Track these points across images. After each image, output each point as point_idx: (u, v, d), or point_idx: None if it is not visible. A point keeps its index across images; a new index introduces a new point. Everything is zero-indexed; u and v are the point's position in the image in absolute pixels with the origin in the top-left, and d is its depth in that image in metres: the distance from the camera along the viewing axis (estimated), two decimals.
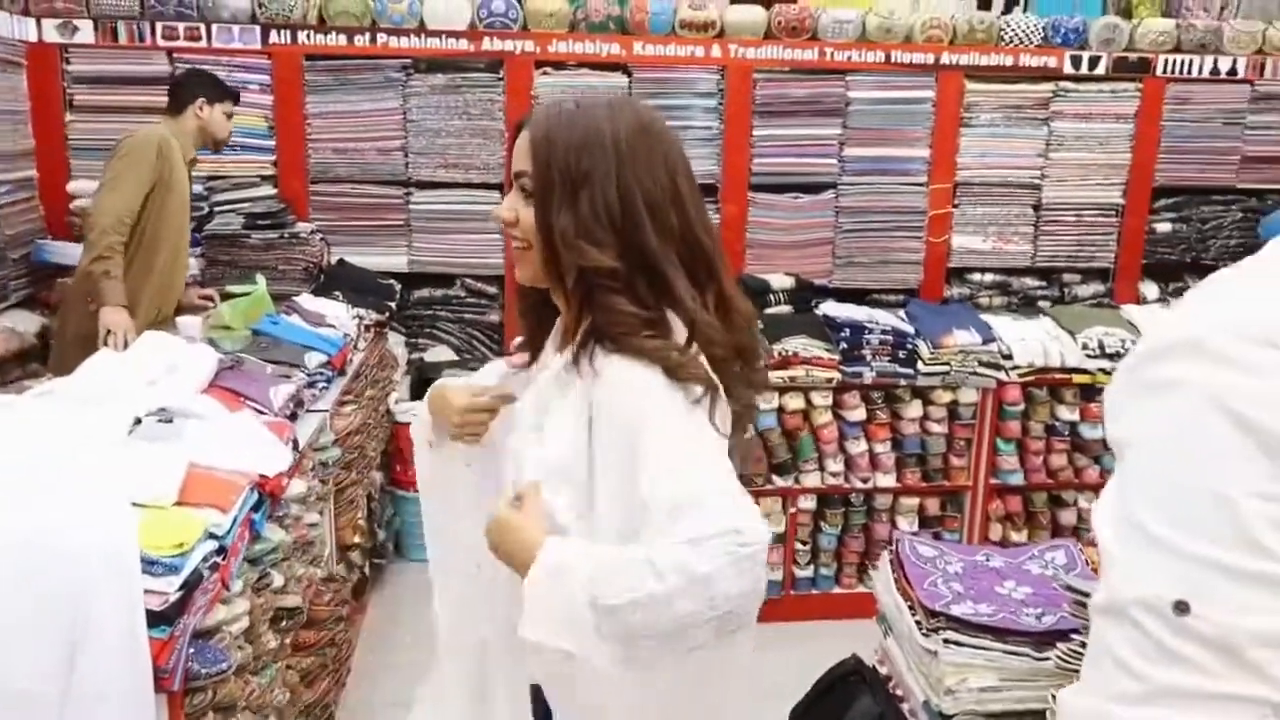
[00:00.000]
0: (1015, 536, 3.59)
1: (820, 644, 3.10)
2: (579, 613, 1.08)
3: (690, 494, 1.11)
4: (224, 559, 1.70)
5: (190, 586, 1.56)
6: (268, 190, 4.19)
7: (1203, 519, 0.68)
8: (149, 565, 1.52)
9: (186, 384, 2.31)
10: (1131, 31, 4.47)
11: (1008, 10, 4.61)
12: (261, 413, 2.35)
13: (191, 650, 1.58)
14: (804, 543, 3.60)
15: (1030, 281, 4.63)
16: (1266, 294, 0.75)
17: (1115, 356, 3.47)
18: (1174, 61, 4.50)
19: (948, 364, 3.41)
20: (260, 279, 3.47)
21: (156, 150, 3.32)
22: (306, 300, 3.48)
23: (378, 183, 4.30)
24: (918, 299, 4.33)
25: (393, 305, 4.06)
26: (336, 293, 3.73)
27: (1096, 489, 3.59)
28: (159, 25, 4.07)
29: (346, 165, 4.27)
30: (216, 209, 4.11)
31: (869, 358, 3.42)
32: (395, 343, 4.23)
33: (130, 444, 1.90)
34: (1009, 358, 3.44)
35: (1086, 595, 1.57)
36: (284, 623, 2.11)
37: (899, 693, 1.88)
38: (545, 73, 4.27)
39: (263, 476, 1.96)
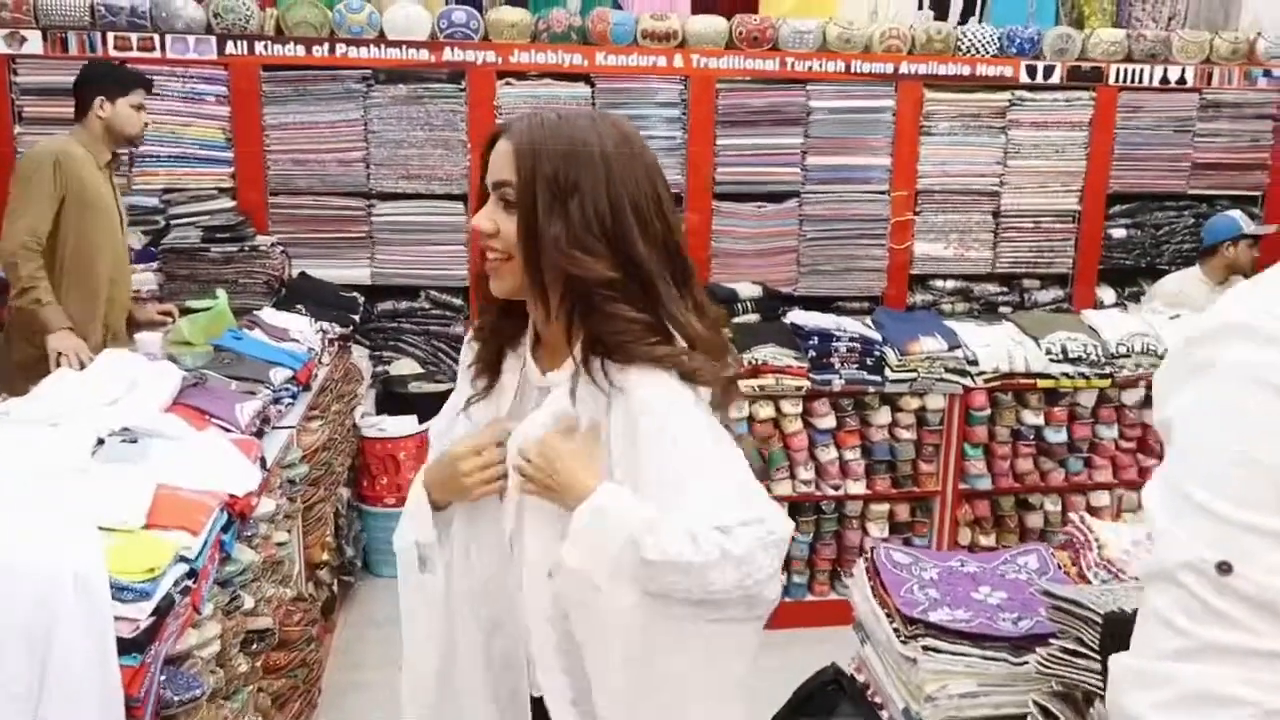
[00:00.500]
0: (984, 540, 3.62)
1: (794, 652, 3.09)
2: (619, 554, 1.21)
3: (723, 491, 1.24)
4: (195, 582, 1.66)
5: (162, 612, 1.52)
6: (226, 203, 4.13)
7: (1244, 486, 0.71)
8: (119, 591, 1.47)
9: (149, 402, 2.26)
10: (1084, 41, 4.56)
11: (964, 21, 4.69)
12: (228, 430, 2.30)
13: (163, 678, 1.54)
14: None
15: (991, 287, 4.71)
16: None
17: (1078, 361, 3.52)
18: (1125, 71, 4.60)
19: (915, 371, 3.44)
20: (221, 293, 3.41)
21: (52, 165, 3.13)
22: (269, 314, 3.42)
23: (339, 194, 4.25)
24: (882, 306, 4.37)
25: (356, 318, 4.02)
26: (299, 306, 3.68)
27: (1062, 492, 3.66)
28: (110, 35, 3.99)
29: (307, 177, 4.21)
30: (174, 222, 4.04)
31: (837, 365, 3.44)
32: (360, 356, 4.18)
33: (94, 465, 1.84)
34: (974, 363, 3.48)
35: (1062, 599, 1.60)
36: (255, 645, 2.06)
37: (878, 700, 1.88)
38: (508, 83, 4.25)
39: (232, 496, 1.92)
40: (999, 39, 4.50)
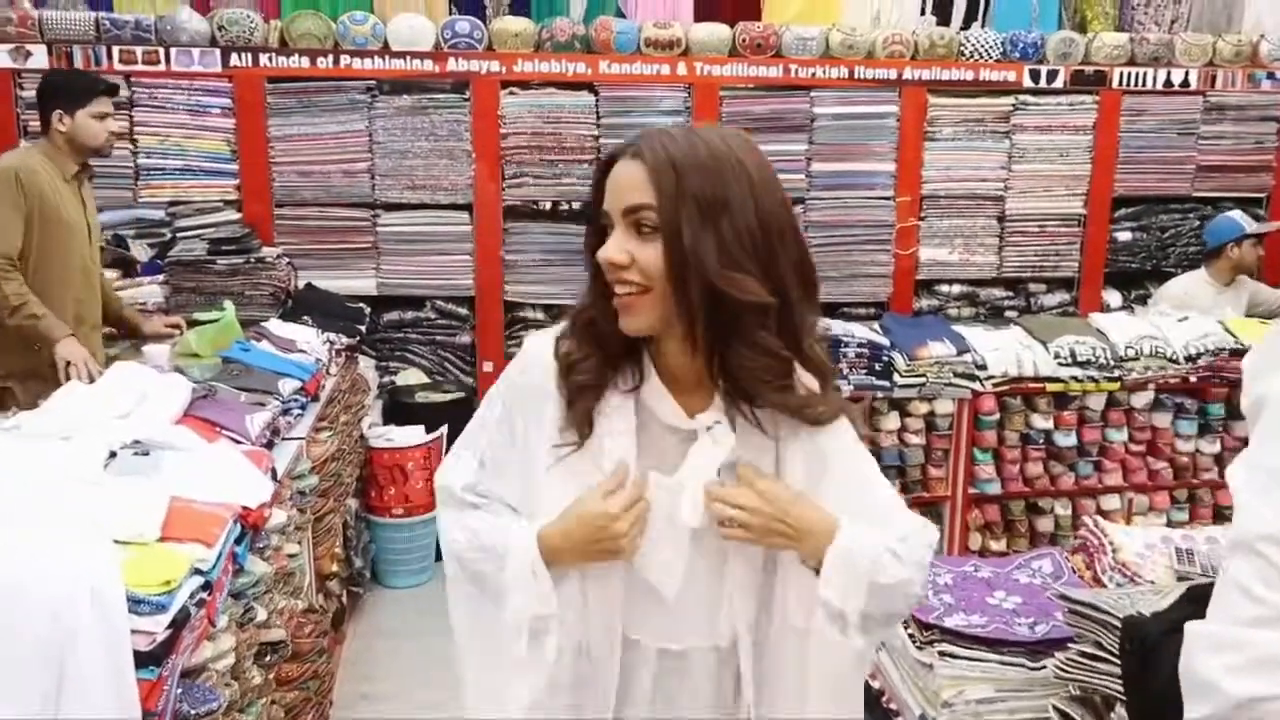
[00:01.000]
0: (994, 545, 3.61)
1: None
2: (861, 584, 1.23)
3: (899, 502, 1.35)
4: (210, 594, 1.65)
5: (178, 625, 1.51)
6: (231, 215, 4.14)
7: None
8: (135, 604, 1.47)
9: (159, 415, 2.26)
10: (1087, 45, 4.56)
11: (967, 26, 4.70)
12: (239, 442, 2.30)
13: (179, 691, 1.53)
14: None
15: (997, 292, 4.70)
16: None
17: (1086, 364, 3.51)
18: (1129, 74, 4.61)
19: (924, 376, 3.44)
20: (228, 305, 3.40)
21: (14, 183, 3.02)
22: (275, 326, 3.42)
23: (344, 205, 4.26)
24: (889, 312, 4.37)
25: (363, 329, 4.01)
26: (305, 317, 3.68)
27: (1072, 496, 3.65)
28: (115, 49, 4.00)
29: (312, 188, 4.22)
30: (180, 235, 4.04)
31: (846, 371, 3.43)
32: (366, 366, 4.18)
33: (107, 479, 1.84)
34: (983, 368, 3.47)
35: (1079, 603, 1.59)
36: (268, 657, 2.06)
37: (893, 707, 1.87)
38: (512, 93, 4.26)
39: (245, 508, 1.92)
40: (1002, 44, 4.50)
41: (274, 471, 2.26)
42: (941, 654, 1.71)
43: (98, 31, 3.99)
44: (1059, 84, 4.56)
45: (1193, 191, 4.76)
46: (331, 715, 2.78)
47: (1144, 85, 4.62)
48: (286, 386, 2.83)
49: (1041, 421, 3.56)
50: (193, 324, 3.41)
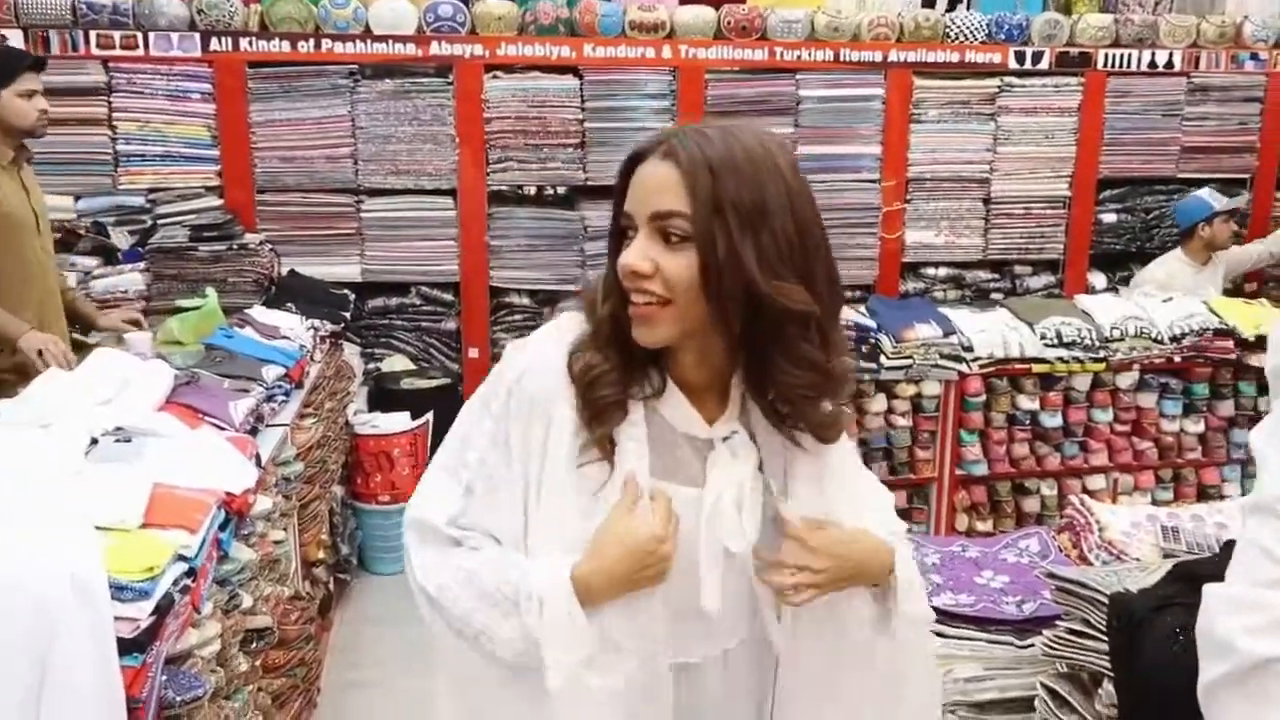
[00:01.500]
0: (981, 526, 3.63)
1: None
2: (920, 588, 1.29)
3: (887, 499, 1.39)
4: (194, 581, 1.64)
5: (162, 611, 1.50)
6: (213, 201, 4.09)
7: None
8: (118, 591, 1.45)
9: (142, 401, 2.23)
10: (1072, 27, 4.56)
11: (952, 8, 4.69)
12: (222, 428, 2.28)
13: (164, 677, 1.52)
14: None
15: (983, 274, 4.71)
16: None
17: (1072, 345, 3.52)
18: (1113, 56, 4.61)
19: (910, 358, 3.44)
20: (211, 292, 3.37)
21: None
22: (259, 312, 3.39)
23: (327, 191, 4.22)
24: (876, 294, 4.37)
25: (347, 315, 3.99)
26: (289, 304, 3.65)
27: (1058, 476, 3.66)
28: (93, 34, 3.95)
29: (294, 174, 4.18)
30: (160, 221, 4.00)
31: None
32: (351, 353, 4.15)
33: (88, 466, 1.82)
34: (970, 350, 3.48)
35: (1067, 581, 1.60)
36: (254, 644, 2.05)
37: None
38: (495, 76, 4.23)
39: (229, 494, 1.90)
40: (987, 25, 4.50)
41: (258, 458, 2.24)
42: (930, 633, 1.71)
43: (74, 15, 3.93)
44: (1044, 66, 4.56)
45: (1177, 173, 4.78)
46: (321, 702, 2.78)
47: (1128, 67, 4.63)
48: (270, 373, 2.81)
49: (1027, 402, 3.57)
50: (175, 311, 3.37)
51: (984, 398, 3.54)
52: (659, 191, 1.07)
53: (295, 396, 2.95)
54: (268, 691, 2.16)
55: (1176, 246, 4.44)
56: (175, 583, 1.57)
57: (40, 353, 2.79)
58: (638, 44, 4.27)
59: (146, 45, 3.99)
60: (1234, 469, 3.82)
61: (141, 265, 3.87)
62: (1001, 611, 1.81)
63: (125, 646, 1.43)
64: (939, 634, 1.71)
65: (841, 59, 4.40)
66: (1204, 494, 3.75)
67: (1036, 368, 3.53)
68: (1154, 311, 3.68)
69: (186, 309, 3.28)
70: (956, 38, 4.49)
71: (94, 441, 1.92)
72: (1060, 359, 3.51)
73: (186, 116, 4.07)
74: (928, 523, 3.65)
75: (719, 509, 1.15)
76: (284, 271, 4.11)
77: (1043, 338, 3.52)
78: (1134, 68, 4.63)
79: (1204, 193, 4.38)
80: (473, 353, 4.33)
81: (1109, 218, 4.76)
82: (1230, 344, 3.63)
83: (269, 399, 2.70)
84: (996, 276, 4.73)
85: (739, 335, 1.11)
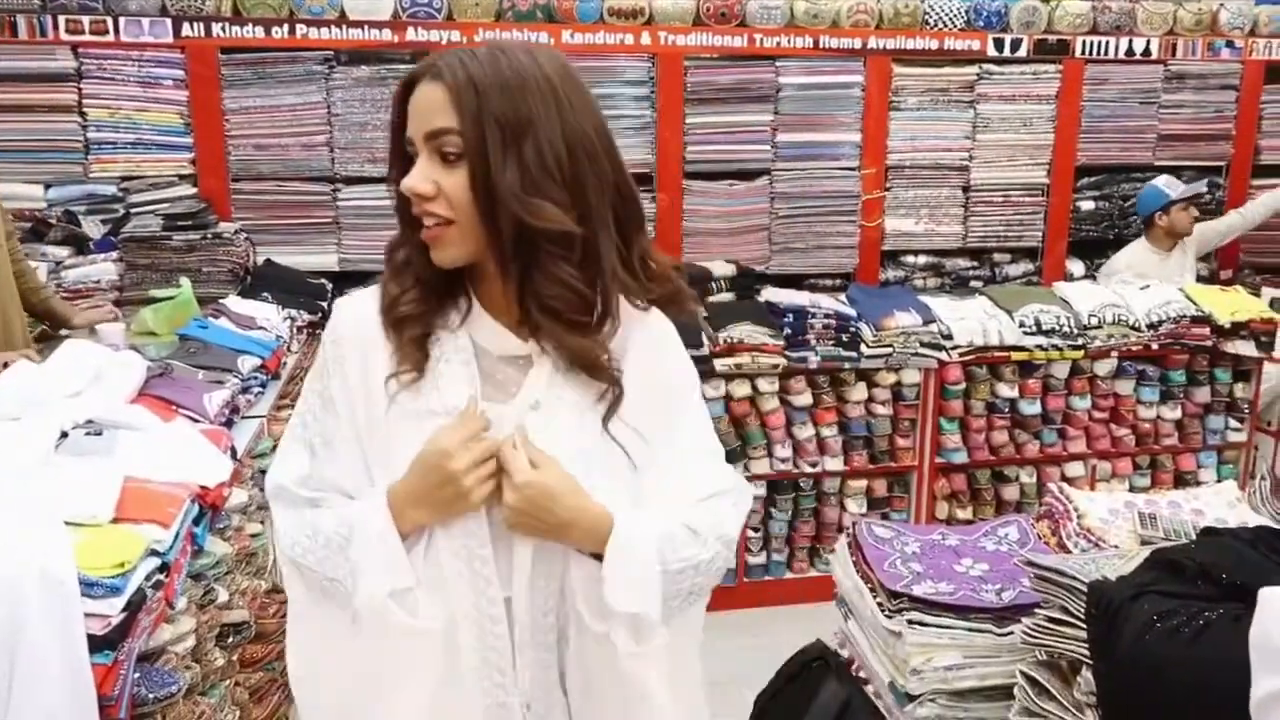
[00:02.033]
0: (961, 514, 3.65)
1: (776, 630, 3.12)
2: (650, 578, 1.13)
3: (715, 457, 1.26)
4: (167, 576, 1.61)
5: (134, 607, 1.48)
6: (187, 190, 4.03)
7: None
8: (88, 587, 1.43)
9: (114, 394, 2.20)
10: (1050, 14, 4.56)
11: None
12: (196, 421, 2.25)
13: (137, 674, 1.50)
14: (755, 529, 3.61)
15: (962, 262, 4.73)
16: None
17: (1051, 333, 3.54)
18: (1091, 43, 4.62)
19: (890, 346, 3.45)
20: (185, 282, 3.32)
21: None
22: (234, 303, 3.35)
23: (303, 179, 4.17)
24: (855, 283, 4.37)
25: (324, 305, 3.94)
26: (265, 294, 3.60)
27: (1037, 464, 3.69)
28: (61, 19, 3.87)
29: (269, 162, 4.13)
30: (133, 210, 3.94)
31: (813, 342, 3.43)
32: None
33: (58, 459, 1.79)
34: (949, 338, 3.49)
35: (1045, 569, 1.60)
36: (231, 639, 2.02)
37: (863, 675, 1.88)
38: None
39: (203, 487, 1.87)
40: (966, 12, 4.49)
41: (233, 450, 2.21)
42: (910, 622, 1.71)
43: (42, 0, 3.86)
44: (1022, 53, 4.57)
45: (1154, 160, 4.80)
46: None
47: (1106, 54, 4.64)
48: (246, 364, 2.78)
49: (1007, 390, 3.59)
50: (149, 301, 3.33)
51: (964, 386, 3.55)
52: (430, 111, 1.09)
53: (272, 388, 2.92)
54: (245, 686, 2.14)
55: (1142, 235, 4.48)
56: (148, 578, 1.55)
57: (4, 365, 2.69)
58: (616, 30, 4.24)
59: (117, 30, 3.92)
60: (1210, 455, 3.86)
61: (114, 255, 3.81)
62: (981, 600, 1.81)
63: (96, 644, 1.41)
64: (918, 622, 1.71)
65: (821, 46, 4.39)
66: (1181, 480, 3.78)
67: (1015, 355, 3.55)
68: (1131, 299, 3.70)
69: (160, 299, 3.24)
70: (935, 24, 4.48)
71: (64, 435, 1.89)
72: (1039, 346, 3.53)
73: (159, 103, 4.01)
74: (908, 511, 3.67)
75: (530, 420, 1.15)
76: (260, 261, 4.06)
77: (1021, 325, 3.54)
78: (1111, 55, 4.65)
79: (1160, 181, 4.40)
80: None
81: (1087, 205, 4.78)
82: (1206, 331, 3.66)
83: (245, 390, 2.67)
84: (976, 264, 4.75)
85: (513, 254, 1.11)
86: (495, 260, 1.13)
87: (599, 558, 1.12)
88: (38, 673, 1.34)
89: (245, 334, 3.05)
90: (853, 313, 3.52)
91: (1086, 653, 1.45)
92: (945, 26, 4.49)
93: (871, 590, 1.84)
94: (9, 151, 3.82)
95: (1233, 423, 3.85)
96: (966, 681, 1.71)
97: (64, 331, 3.17)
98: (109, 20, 3.91)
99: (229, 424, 2.42)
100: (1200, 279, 4.51)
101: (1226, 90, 4.80)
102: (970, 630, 1.76)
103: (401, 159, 1.14)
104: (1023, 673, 1.61)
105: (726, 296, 3.92)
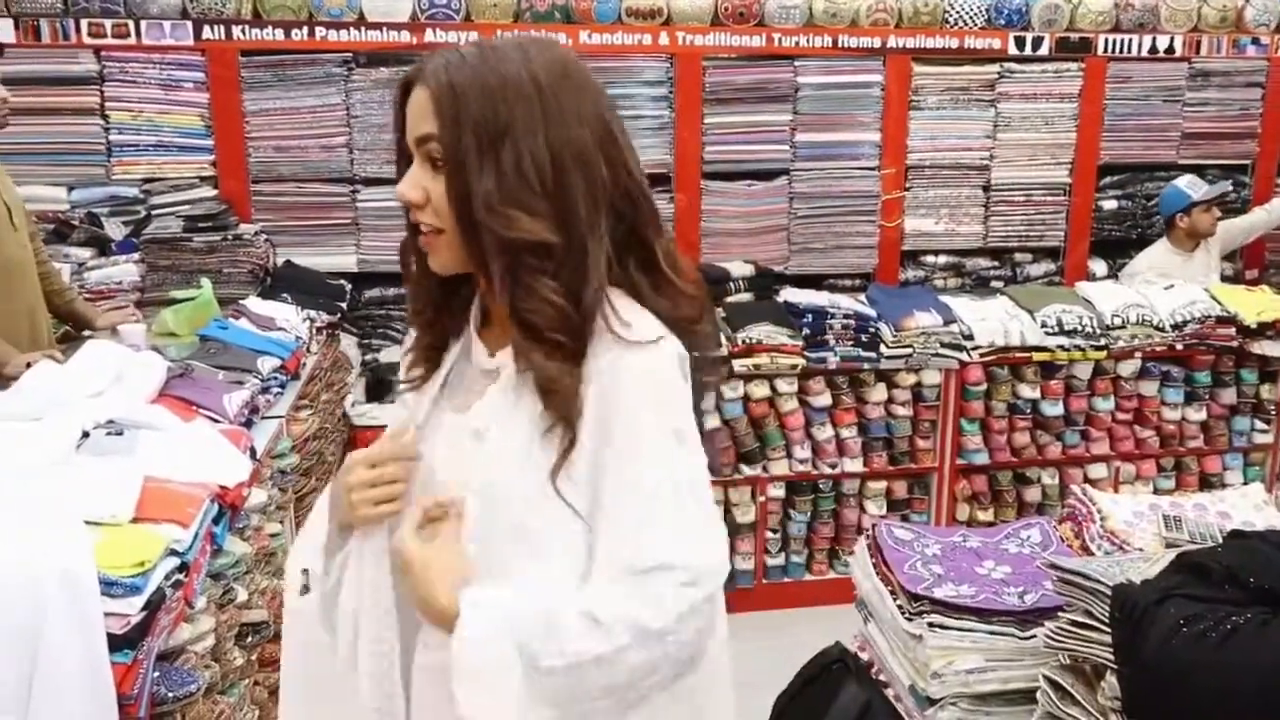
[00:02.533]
0: (982, 516, 3.61)
1: (795, 632, 3.11)
2: (513, 681, 0.97)
3: (664, 523, 1.03)
4: (186, 576, 1.62)
5: (153, 607, 1.48)
6: (208, 191, 4.06)
7: None
8: (108, 586, 1.44)
9: (135, 394, 2.21)
10: (1072, 12, 4.52)
11: None
12: (216, 421, 2.26)
13: (157, 673, 1.50)
14: (774, 531, 3.59)
15: (983, 262, 4.69)
16: None
17: (1074, 333, 3.51)
18: (1114, 41, 4.57)
19: (910, 346, 3.42)
20: (205, 283, 3.34)
21: None
22: (254, 303, 3.36)
23: (322, 181, 4.19)
24: (875, 283, 4.35)
25: (343, 306, 3.96)
26: (285, 295, 3.62)
27: (1059, 465, 3.66)
28: (84, 22, 3.91)
29: (289, 163, 4.15)
30: (154, 212, 3.97)
31: (832, 343, 3.41)
32: (348, 344, 4.13)
33: (79, 459, 1.80)
34: (970, 338, 3.46)
35: (1069, 572, 1.58)
36: (250, 638, 2.03)
37: (883, 678, 1.86)
38: None
39: (222, 487, 1.88)
40: (986, 10, 4.46)
41: (253, 450, 2.22)
42: (930, 625, 1.70)
43: (65, 4, 3.89)
44: (1044, 51, 4.53)
45: (1178, 159, 4.74)
46: None
47: (1129, 52, 4.59)
48: (266, 365, 2.79)
49: (1028, 391, 3.55)
50: (170, 303, 3.35)
51: (985, 386, 3.52)
52: (417, 116, 1.06)
53: (291, 388, 2.93)
54: (264, 685, 2.15)
55: (1164, 235, 4.43)
56: (167, 577, 1.55)
57: (28, 365, 2.69)
58: (634, 30, 4.24)
59: (139, 34, 3.95)
60: (1236, 457, 3.81)
61: (136, 256, 3.85)
62: (1003, 602, 1.79)
63: (115, 643, 1.41)
64: (939, 625, 1.70)
65: (840, 45, 4.37)
66: (1206, 483, 3.74)
67: (1037, 356, 3.51)
68: (1155, 299, 3.66)
69: (181, 300, 3.26)
70: (955, 23, 4.45)
71: (85, 435, 1.90)
72: (1061, 347, 3.50)
73: (180, 106, 4.04)
74: (928, 512, 3.64)
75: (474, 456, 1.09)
76: (279, 262, 4.09)
77: (1044, 325, 3.51)
78: (1134, 53, 4.60)
79: (1183, 182, 4.35)
80: None
81: (1109, 204, 4.73)
82: (1232, 331, 3.62)
83: (264, 391, 2.68)
84: (996, 264, 4.71)
85: (497, 266, 1.06)
86: (478, 271, 1.10)
87: None
88: (58, 671, 1.35)
89: (265, 335, 3.06)
90: (872, 313, 3.50)
91: (1111, 657, 1.43)
92: (966, 25, 4.46)
93: (892, 592, 1.82)
94: (33, 154, 3.85)
95: (1259, 424, 3.80)
96: (988, 685, 1.70)
97: (86, 333, 3.19)
98: (131, 23, 3.94)
99: (248, 424, 2.43)
100: (1225, 279, 4.45)
101: (1252, 88, 4.74)
102: (992, 633, 1.74)
103: (406, 162, 1.11)
104: (1046, 677, 1.59)
105: (745, 297, 3.91)
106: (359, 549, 1.14)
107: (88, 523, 1.55)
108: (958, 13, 4.45)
